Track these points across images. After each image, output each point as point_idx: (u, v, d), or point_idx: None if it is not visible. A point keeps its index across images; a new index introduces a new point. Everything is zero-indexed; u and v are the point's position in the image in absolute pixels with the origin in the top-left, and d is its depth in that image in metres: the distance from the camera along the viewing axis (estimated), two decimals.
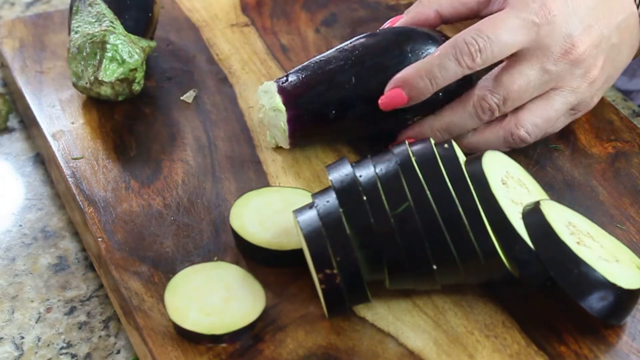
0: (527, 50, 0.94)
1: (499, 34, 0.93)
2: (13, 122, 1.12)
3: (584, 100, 0.98)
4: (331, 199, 0.84)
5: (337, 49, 0.99)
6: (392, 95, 0.95)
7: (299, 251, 0.88)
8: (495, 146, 0.97)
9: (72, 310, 0.93)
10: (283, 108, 0.97)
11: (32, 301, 0.93)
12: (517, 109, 0.96)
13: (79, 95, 1.08)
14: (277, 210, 0.92)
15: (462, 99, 0.96)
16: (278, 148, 1.01)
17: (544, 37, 0.94)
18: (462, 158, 0.87)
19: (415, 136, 0.97)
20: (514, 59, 0.95)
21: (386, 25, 1.02)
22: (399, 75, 0.95)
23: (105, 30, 1.03)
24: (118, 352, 0.89)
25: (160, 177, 0.99)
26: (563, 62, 0.94)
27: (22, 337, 0.90)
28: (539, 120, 0.96)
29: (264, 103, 0.99)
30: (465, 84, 0.96)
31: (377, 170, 0.84)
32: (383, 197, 0.83)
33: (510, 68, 0.95)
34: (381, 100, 0.95)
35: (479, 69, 0.94)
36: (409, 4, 1.20)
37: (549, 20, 0.94)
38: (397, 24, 1.01)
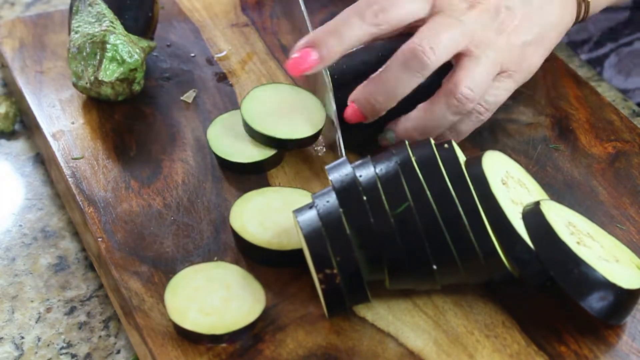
0: (435, 14, 0.94)
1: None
2: None
3: (512, 58, 0.96)
4: (331, 199, 0.84)
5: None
6: (303, 55, 0.94)
7: (299, 251, 0.88)
8: (443, 116, 0.95)
9: (72, 310, 0.93)
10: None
11: (32, 301, 0.93)
12: (449, 75, 0.95)
13: (79, 95, 1.08)
14: (277, 210, 0.92)
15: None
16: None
17: (440, 3, 0.95)
18: (462, 158, 0.87)
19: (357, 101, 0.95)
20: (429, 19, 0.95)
21: None
22: (308, 36, 0.94)
23: (105, 30, 1.03)
24: (118, 352, 0.89)
25: (160, 177, 0.99)
26: (472, 13, 0.94)
27: (22, 337, 0.90)
28: (475, 76, 0.94)
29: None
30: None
31: (377, 170, 0.85)
32: (383, 197, 0.83)
33: (429, 23, 0.94)
34: (291, 62, 0.94)
35: (383, 28, 0.94)
36: None
37: None
38: None
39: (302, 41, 0.95)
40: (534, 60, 0.99)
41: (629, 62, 1.22)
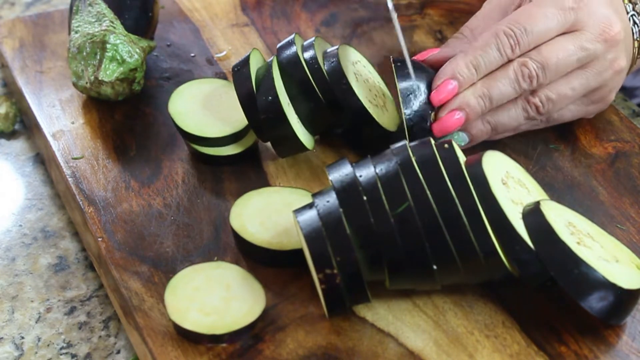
0: (571, 31, 0.98)
1: (535, 24, 0.96)
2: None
3: (603, 89, 1.00)
4: (331, 199, 0.84)
5: None
6: (444, 86, 0.97)
7: (299, 251, 0.88)
8: (516, 118, 0.98)
9: (72, 310, 0.93)
10: None
11: (32, 301, 0.93)
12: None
13: (79, 95, 1.08)
14: (277, 210, 0.92)
15: (503, 67, 0.98)
16: None
17: (582, 17, 0.97)
18: (462, 158, 0.87)
19: (460, 106, 0.97)
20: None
21: (420, 56, 1.02)
22: (447, 68, 0.97)
23: (105, 30, 1.03)
24: (118, 352, 0.89)
25: (160, 177, 0.99)
26: (599, 42, 0.97)
27: (22, 337, 0.90)
28: (553, 94, 0.98)
29: None
30: None
31: (377, 170, 0.84)
32: (383, 197, 0.83)
33: (552, 41, 0.97)
34: (434, 94, 0.97)
35: (519, 55, 0.97)
36: (409, 5, 1.20)
37: (585, 3, 0.97)
38: (432, 55, 1.01)
39: (443, 72, 0.97)
40: (612, 98, 1.03)
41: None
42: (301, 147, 0.98)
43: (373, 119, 0.97)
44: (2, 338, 0.90)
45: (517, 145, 1.02)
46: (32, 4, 1.29)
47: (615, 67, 0.99)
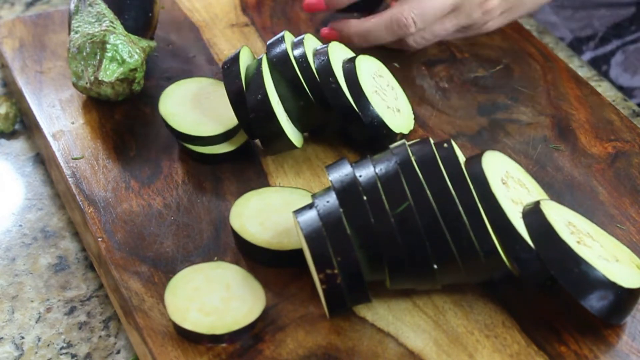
0: None
1: None
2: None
3: (475, 25, 1.08)
4: (331, 199, 0.84)
5: None
6: None
7: (299, 251, 0.88)
8: (382, 35, 1.06)
9: (72, 310, 0.93)
10: None
11: (32, 301, 0.93)
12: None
13: (79, 95, 1.08)
14: (277, 210, 0.92)
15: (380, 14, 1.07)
16: None
17: None
18: (462, 158, 0.87)
19: (334, 26, 1.05)
20: None
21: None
22: None
23: (105, 30, 1.03)
24: (118, 352, 0.89)
25: (160, 177, 0.99)
26: None
27: (22, 337, 0.90)
28: (425, 9, 1.04)
29: None
30: None
31: (377, 170, 0.84)
32: (383, 197, 0.83)
33: None
34: (305, 3, 1.07)
35: None
36: None
37: None
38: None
39: None
40: (492, 26, 1.10)
41: (635, 60, 1.22)
42: (290, 145, 0.98)
43: (360, 118, 0.97)
44: (2, 338, 0.90)
45: (517, 145, 1.02)
46: (32, 4, 1.29)
47: (485, 7, 1.07)
